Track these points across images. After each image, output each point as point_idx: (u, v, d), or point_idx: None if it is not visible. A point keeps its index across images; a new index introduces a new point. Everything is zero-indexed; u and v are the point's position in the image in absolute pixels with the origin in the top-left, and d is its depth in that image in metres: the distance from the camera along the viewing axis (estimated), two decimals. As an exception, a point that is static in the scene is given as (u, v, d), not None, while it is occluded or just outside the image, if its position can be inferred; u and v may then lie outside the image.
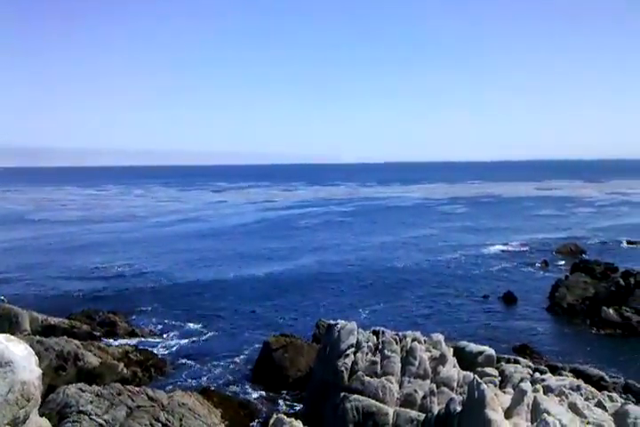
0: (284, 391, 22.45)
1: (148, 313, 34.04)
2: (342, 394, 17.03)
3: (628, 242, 55.06)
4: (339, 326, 19.00)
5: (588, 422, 11.71)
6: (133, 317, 33.19)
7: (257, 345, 26.36)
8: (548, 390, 13.98)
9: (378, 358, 17.95)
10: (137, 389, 17.11)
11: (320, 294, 38.46)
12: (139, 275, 45.04)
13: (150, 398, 16.61)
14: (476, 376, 13.96)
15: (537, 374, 16.52)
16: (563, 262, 46.67)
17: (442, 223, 76.75)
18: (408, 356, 17.79)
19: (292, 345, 24.44)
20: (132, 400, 16.21)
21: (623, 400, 14.79)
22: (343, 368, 17.72)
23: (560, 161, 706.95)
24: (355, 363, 17.97)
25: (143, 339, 29.16)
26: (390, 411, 15.92)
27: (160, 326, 31.41)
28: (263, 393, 22.39)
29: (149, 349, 26.84)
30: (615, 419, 12.39)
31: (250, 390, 22.73)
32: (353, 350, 18.37)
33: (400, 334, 19.16)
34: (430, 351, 18.36)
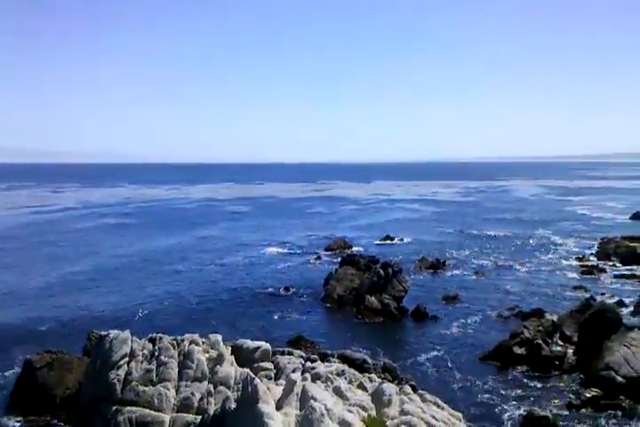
0: (50, 414, 20.36)
1: None
2: (114, 408, 16.07)
3: (388, 237, 61.53)
4: (111, 335, 17.87)
5: (350, 404, 12.77)
6: None
7: (17, 367, 23.53)
8: (316, 377, 14.91)
9: (154, 366, 17.29)
10: None
11: (94, 302, 35.87)
12: None
13: None
14: (249, 372, 14.31)
15: (308, 364, 17.52)
16: (333, 256, 50.45)
17: (226, 224, 77.56)
18: (185, 360, 17.48)
19: (58, 361, 22.27)
20: None
21: (380, 380, 16.46)
22: (115, 380, 16.71)
23: (335, 164, 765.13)
24: (128, 373, 17.07)
25: None
26: (166, 418, 15.48)
27: None
28: (22, 419, 20.00)
29: None
30: (373, 398, 13.73)
31: (6, 419, 20.10)
32: (127, 359, 17.44)
33: (178, 338, 18.74)
34: (208, 352, 18.28)
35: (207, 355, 17.86)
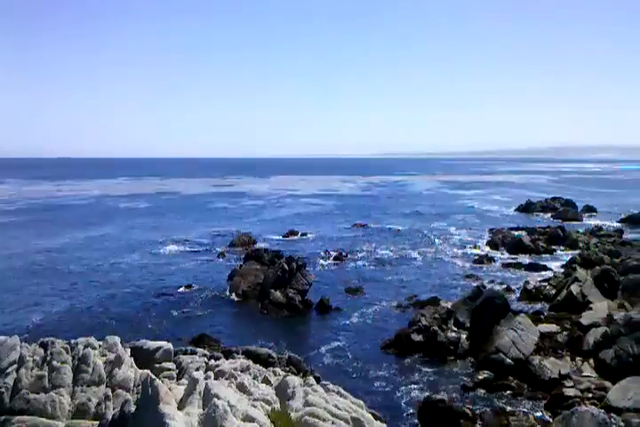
0: None
1: None
2: (3, 418, 14.99)
3: (292, 232, 61.85)
4: (-5, 342, 16.60)
5: (254, 399, 12.72)
6: None
7: None
8: (220, 374, 14.72)
9: (45, 372, 16.29)
10: None
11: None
12: None
13: None
14: (149, 373, 13.85)
15: (212, 361, 17.27)
16: (237, 252, 49.96)
17: (122, 221, 74.35)
18: (80, 364, 16.61)
19: None
20: None
21: (285, 373, 16.55)
22: (3, 389, 15.57)
23: (239, 159, 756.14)
24: (18, 381, 15.97)
25: None
26: (61, 425, 14.65)
27: None
28: None
29: None
30: (277, 391, 13.77)
31: None
32: (15, 366, 16.29)
33: (72, 341, 17.76)
34: (105, 355, 17.49)
35: (104, 358, 17.08)
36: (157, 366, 17.83)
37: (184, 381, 14.90)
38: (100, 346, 18.02)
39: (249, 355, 20.28)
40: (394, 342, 26.52)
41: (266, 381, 15.19)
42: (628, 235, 58.74)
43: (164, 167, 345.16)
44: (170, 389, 13.00)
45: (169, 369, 17.42)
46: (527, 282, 37.25)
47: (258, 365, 17.08)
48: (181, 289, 37.66)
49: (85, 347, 17.38)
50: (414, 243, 56.72)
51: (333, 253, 49.41)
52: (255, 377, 15.54)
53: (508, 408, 19.59)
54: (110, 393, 15.95)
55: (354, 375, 23.26)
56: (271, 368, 17.20)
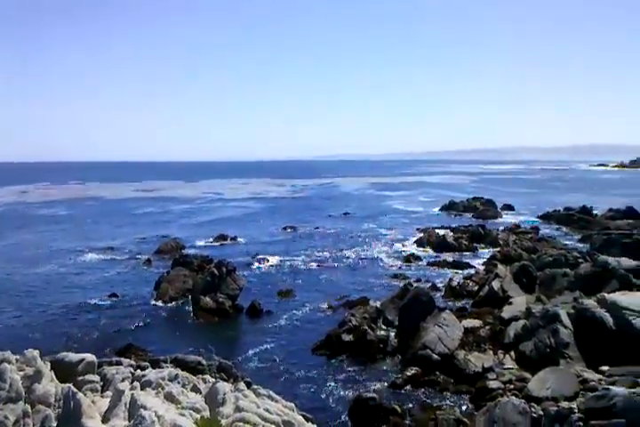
0: None
1: None
2: None
3: (222, 236, 61.03)
4: None
5: (183, 408, 12.47)
6: None
7: None
8: (147, 384, 14.33)
9: (-44, 391, 15.27)
10: None
11: None
12: None
13: None
14: (71, 387, 13.29)
15: (138, 372, 16.75)
16: (165, 259, 48.74)
17: (39, 229, 70.80)
18: (-5, 380, 15.67)
19: None
20: None
21: (215, 380, 16.31)
22: None
23: (166, 162, 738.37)
24: None
25: None
26: (-25, 448, 13.77)
27: None
28: None
29: None
30: (207, 399, 13.56)
31: None
32: None
33: (-14, 357, 16.73)
34: (24, 370, 16.59)
35: (22, 373, 16.21)
36: (80, 378, 17.10)
37: (108, 393, 14.40)
38: (17, 360, 17.11)
39: (178, 363, 19.82)
40: (324, 343, 26.74)
41: (195, 389, 14.92)
42: (544, 231, 62.14)
43: (94, 171, 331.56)
44: (93, 402, 12.57)
45: (92, 382, 16.73)
46: (451, 279, 38.60)
47: (186, 373, 16.72)
48: (105, 299, 36.27)
49: (1, 362, 16.45)
50: (344, 244, 57.41)
51: (264, 257, 49.25)
52: (184, 385, 15.22)
53: (436, 403, 20.23)
54: (29, 409, 15.14)
55: (285, 378, 23.28)
56: (200, 376, 16.89)
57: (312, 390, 22.08)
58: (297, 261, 48.61)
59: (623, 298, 23.27)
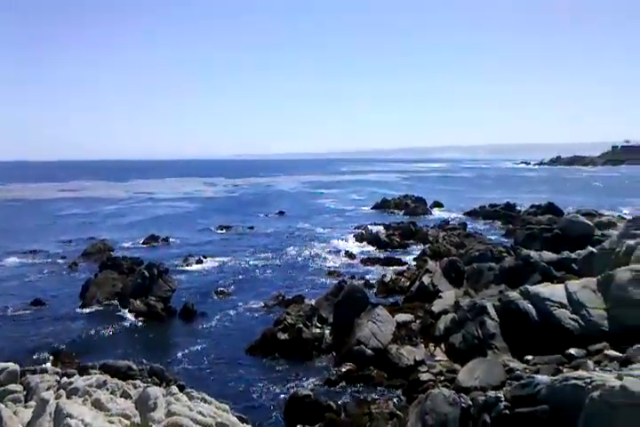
0: None
1: None
2: None
3: (153, 237, 59.47)
4: None
5: (111, 415, 12.08)
6: None
7: None
8: (73, 392, 13.77)
9: None
10: None
11: None
12: None
13: None
14: (-9, 399, 12.61)
15: (64, 379, 16.08)
16: (92, 262, 46.94)
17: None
18: None
19: None
20: None
21: (146, 385, 15.88)
22: None
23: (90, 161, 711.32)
24: None
25: None
26: None
27: None
28: None
29: None
30: (137, 404, 13.19)
31: None
32: None
33: None
34: (-63, 384, 15.58)
35: None
36: (1, 389, 16.27)
37: (32, 403, 13.76)
38: None
39: (107, 369, 19.16)
40: (260, 342, 26.61)
41: (125, 394, 14.48)
42: (471, 226, 64.43)
43: (17, 171, 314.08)
44: (15, 413, 11.97)
45: (15, 391, 15.93)
46: (384, 275, 39.36)
47: (116, 379, 16.20)
48: (28, 306, 34.50)
49: None
50: (279, 243, 57.33)
51: (198, 258, 48.38)
52: (113, 392, 14.74)
53: (370, 397, 20.57)
54: (-56, 426, 14.29)
55: (219, 380, 23.01)
56: (131, 381, 16.41)
57: (247, 390, 21.94)
58: (232, 262, 48.09)
59: (545, 290, 24.44)
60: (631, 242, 26.76)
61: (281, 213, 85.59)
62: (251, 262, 47.71)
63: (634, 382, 12.99)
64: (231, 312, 33.02)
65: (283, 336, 26.19)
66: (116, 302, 34.48)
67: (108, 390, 14.70)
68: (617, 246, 28.43)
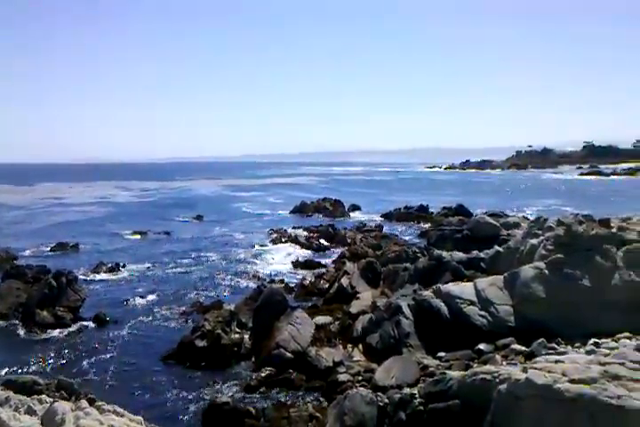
0: None
1: None
2: None
3: (61, 244, 56.55)
4: None
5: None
6: None
7: None
8: (-29, 412, 12.82)
9: None
10: None
11: None
12: None
13: None
14: None
15: (-39, 399, 14.94)
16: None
17: None
18: None
19: None
20: None
21: (53, 400, 15.06)
22: None
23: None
24: None
25: None
26: None
27: None
28: None
29: None
30: (43, 421, 12.48)
31: None
32: None
33: None
34: None
35: None
36: None
37: None
38: None
39: (9, 385, 17.93)
40: (176, 351, 25.96)
41: (30, 411, 13.64)
42: (387, 228, 66.15)
43: None
44: None
45: None
46: (304, 278, 39.59)
47: (20, 395, 15.24)
48: None
49: None
50: (197, 249, 56.18)
51: (110, 265, 46.43)
52: (17, 409, 13.84)
53: (290, 401, 20.58)
54: None
55: (133, 391, 22.21)
56: (36, 396, 15.49)
57: (162, 400, 21.31)
58: (147, 269, 46.61)
59: (455, 288, 25.47)
60: (534, 241, 28.37)
61: (199, 217, 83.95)
62: (167, 269, 46.43)
63: (537, 374, 13.77)
64: (147, 320, 31.99)
65: (201, 343, 25.65)
66: (20, 313, 32.45)
67: (10, 407, 13.78)
68: (521, 245, 30.06)
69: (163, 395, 21.82)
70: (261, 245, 57.21)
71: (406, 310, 25.13)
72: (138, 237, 65.16)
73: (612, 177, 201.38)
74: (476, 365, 18.94)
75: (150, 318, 32.36)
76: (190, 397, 21.57)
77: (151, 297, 37.08)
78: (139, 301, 36.14)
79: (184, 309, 33.92)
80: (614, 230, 25.83)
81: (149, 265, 47.80)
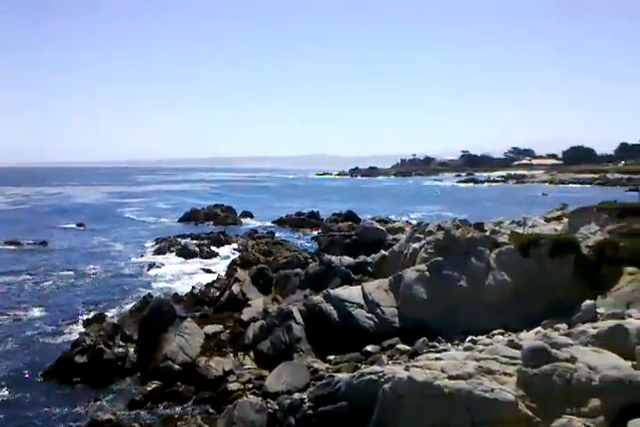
0: None
1: None
2: None
3: None
4: None
5: None
6: None
7: None
8: None
9: None
10: None
11: None
12: None
13: None
14: None
15: None
16: None
17: None
18: None
19: None
20: None
21: None
22: None
23: None
24: None
25: None
26: None
27: None
28: None
29: None
30: None
31: None
32: None
33: None
34: None
35: None
36: None
37: None
38: None
39: None
40: (55, 367, 24.34)
41: None
42: (279, 234, 66.43)
43: None
44: None
45: None
46: (194, 287, 38.60)
47: None
48: None
49: None
50: (78, 260, 52.87)
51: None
52: None
53: (177, 414, 19.97)
54: None
55: (9, 411, 20.52)
56: None
57: (41, 420, 19.85)
58: (22, 282, 43.11)
59: (344, 292, 26.12)
60: (416, 245, 29.83)
61: (79, 225, 79.26)
62: (44, 283, 43.21)
63: (418, 372, 14.44)
64: (24, 336, 29.63)
65: (81, 359, 24.22)
66: None
67: None
68: (405, 249, 31.49)
69: (41, 414, 20.30)
70: (148, 255, 55.12)
71: (297, 316, 25.36)
72: (11, 247, 60.17)
73: (486, 184, 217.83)
74: (363, 366, 19.51)
75: (27, 335, 29.95)
76: (70, 415, 20.26)
77: (27, 313, 34.35)
78: (13, 317, 33.40)
79: (64, 323, 31.85)
80: (488, 234, 27.86)
81: (24, 279, 44.20)
